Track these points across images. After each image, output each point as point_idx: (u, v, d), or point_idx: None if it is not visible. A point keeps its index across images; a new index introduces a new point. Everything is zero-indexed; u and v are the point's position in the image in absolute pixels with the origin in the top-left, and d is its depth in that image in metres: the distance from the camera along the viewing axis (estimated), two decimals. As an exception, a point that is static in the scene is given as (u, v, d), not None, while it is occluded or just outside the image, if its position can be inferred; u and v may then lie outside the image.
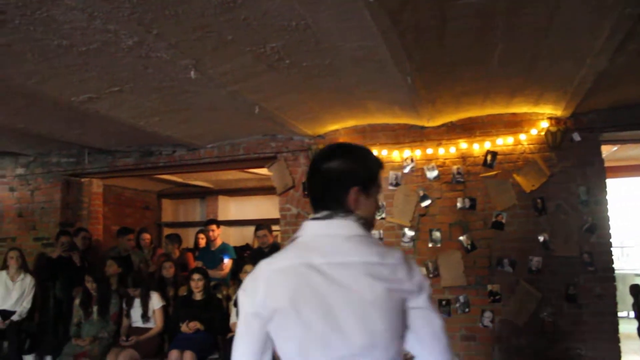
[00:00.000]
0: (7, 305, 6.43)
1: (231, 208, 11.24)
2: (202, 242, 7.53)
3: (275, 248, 6.58)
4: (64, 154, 7.31)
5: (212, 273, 6.39)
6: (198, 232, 7.80)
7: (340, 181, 1.65)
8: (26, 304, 6.49)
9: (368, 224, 1.68)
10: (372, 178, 1.69)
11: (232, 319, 5.70)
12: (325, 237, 1.60)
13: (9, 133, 5.99)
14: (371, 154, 1.74)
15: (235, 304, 5.74)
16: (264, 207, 10.34)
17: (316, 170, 1.69)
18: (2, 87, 4.25)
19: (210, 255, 7.06)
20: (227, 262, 6.98)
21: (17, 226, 7.53)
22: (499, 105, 5.36)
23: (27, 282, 6.57)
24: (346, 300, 1.49)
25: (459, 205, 5.67)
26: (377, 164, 1.75)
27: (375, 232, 5.84)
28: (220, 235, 7.33)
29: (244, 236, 10.29)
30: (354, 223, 1.61)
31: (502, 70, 4.26)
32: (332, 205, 1.64)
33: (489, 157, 5.62)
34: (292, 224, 6.16)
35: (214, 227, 7.21)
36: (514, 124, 5.60)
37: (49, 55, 3.59)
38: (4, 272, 6.56)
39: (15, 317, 6.37)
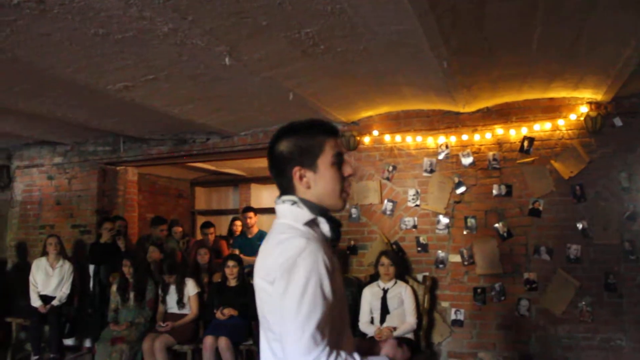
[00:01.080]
0: (47, 291, 6.61)
1: (264, 196, 11.27)
2: (238, 229, 7.57)
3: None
4: (100, 142, 7.43)
5: (251, 260, 6.45)
6: (233, 219, 7.83)
7: (282, 164, 1.66)
8: (65, 290, 6.66)
9: (319, 203, 1.65)
10: (314, 151, 1.64)
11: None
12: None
13: (48, 122, 6.11)
14: (313, 125, 1.69)
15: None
16: (297, 195, 10.32)
17: (268, 157, 1.73)
18: (42, 76, 4.32)
19: (248, 243, 7.11)
20: None
21: (55, 214, 7.71)
22: (537, 90, 5.24)
23: (65, 268, 6.74)
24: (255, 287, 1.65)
25: (494, 192, 5.58)
26: (321, 131, 1.68)
27: (409, 220, 5.80)
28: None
29: (277, 224, 10.29)
30: (288, 208, 1.64)
31: (542, 54, 4.15)
32: (285, 189, 1.69)
33: (525, 143, 5.51)
34: (325, 211, 6.12)
35: (251, 214, 7.25)
36: (551, 109, 5.47)
37: (86, 43, 3.62)
38: (43, 259, 6.74)
39: (55, 302, 6.54)
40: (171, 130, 6.74)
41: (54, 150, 7.80)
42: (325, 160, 1.63)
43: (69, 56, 3.84)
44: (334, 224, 1.66)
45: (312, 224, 1.62)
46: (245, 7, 3.10)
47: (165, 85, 4.56)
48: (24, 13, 3.12)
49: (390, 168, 5.95)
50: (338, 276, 1.59)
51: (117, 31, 3.41)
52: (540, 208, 5.41)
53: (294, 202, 1.63)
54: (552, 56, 4.25)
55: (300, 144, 1.64)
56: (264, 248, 1.62)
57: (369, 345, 1.90)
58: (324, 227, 1.64)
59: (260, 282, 1.56)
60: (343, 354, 1.48)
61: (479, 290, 5.53)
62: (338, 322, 1.55)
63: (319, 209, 1.63)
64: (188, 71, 4.23)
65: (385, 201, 5.95)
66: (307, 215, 1.61)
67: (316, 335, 1.43)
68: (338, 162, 1.66)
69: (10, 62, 3.97)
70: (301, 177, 1.63)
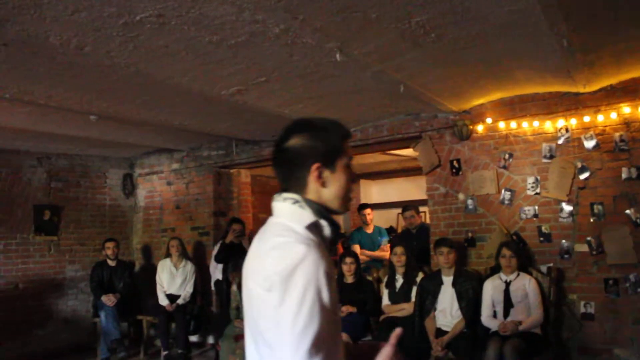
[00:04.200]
0: (172, 290, 6.98)
1: (373, 191, 11.26)
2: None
3: (423, 229, 6.49)
4: (213, 147, 7.71)
5: (373, 254, 6.98)
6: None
7: (301, 158, 1.58)
8: (189, 289, 7.00)
9: (329, 205, 1.59)
10: (335, 150, 1.61)
11: (384, 301, 5.69)
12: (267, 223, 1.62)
13: (165, 130, 6.41)
14: (331, 123, 1.66)
15: (387, 286, 5.74)
16: (406, 189, 10.26)
17: (276, 151, 1.65)
18: (160, 87, 4.54)
19: (367, 238, 7.37)
20: (385, 243, 7.28)
21: (175, 217, 8.10)
22: (669, 61, 4.81)
23: (188, 268, 7.08)
24: (245, 290, 1.56)
25: (624, 175, 5.18)
26: (340, 133, 1.65)
27: (529, 209, 5.53)
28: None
29: (387, 219, 10.27)
30: (289, 207, 1.56)
31: (676, 20, 3.80)
32: (290, 186, 1.60)
33: (657, 121, 5.08)
34: (440, 204, 6.00)
35: (368, 210, 7.51)
36: (688, 80, 5.00)
37: (201, 51, 3.75)
38: (167, 260, 7.12)
39: (180, 301, 6.88)
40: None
41: (171, 157, 8.20)
42: (342, 162, 1.62)
43: (185, 65, 4.01)
44: (334, 227, 1.60)
45: (313, 227, 1.54)
46: (355, 1, 3.07)
47: (276, 86, 4.64)
48: (145, 28, 3.27)
49: (507, 156, 5.70)
50: (334, 282, 1.52)
51: (230, 36, 3.50)
52: (679, 191, 4.96)
53: (296, 201, 1.56)
54: (688, 23, 3.87)
55: (326, 140, 1.60)
56: (258, 249, 1.53)
57: (364, 349, 1.75)
58: (326, 230, 1.57)
59: (254, 287, 1.47)
60: None
61: (610, 282, 5.17)
62: (333, 329, 1.47)
63: (321, 211, 1.57)
64: (298, 71, 4.27)
65: (503, 190, 5.71)
66: (309, 217, 1.54)
67: (312, 350, 1.35)
68: (350, 166, 1.65)
69: (133, 76, 4.20)
70: (320, 175, 1.57)
